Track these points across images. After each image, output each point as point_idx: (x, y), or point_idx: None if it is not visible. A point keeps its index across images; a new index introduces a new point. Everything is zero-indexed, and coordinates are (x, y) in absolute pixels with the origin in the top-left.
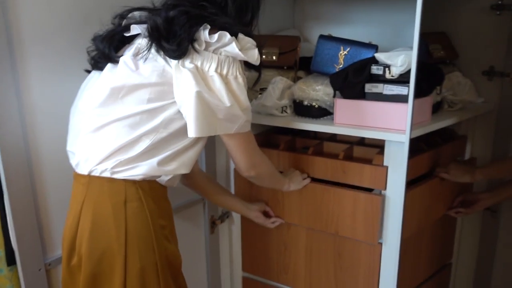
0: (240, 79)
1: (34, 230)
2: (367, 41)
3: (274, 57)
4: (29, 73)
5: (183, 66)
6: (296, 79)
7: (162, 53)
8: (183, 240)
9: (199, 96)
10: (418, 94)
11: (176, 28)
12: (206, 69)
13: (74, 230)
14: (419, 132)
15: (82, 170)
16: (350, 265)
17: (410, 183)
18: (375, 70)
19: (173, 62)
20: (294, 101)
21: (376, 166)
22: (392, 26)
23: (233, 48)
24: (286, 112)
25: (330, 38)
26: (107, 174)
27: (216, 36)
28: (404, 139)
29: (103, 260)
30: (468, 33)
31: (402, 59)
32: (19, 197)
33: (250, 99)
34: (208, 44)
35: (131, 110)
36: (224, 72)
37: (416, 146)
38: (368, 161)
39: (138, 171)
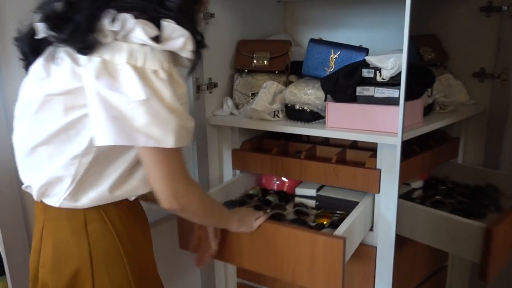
0: (162, 74)
1: (24, 239)
2: (357, 45)
3: (265, 62)
4: (13, 72)
5: (90, 62)
6: (287, 83)
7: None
8: (175, 245)
9: (100, 93)
10: (409, 96)
11: (74, 14)
12: (116, 61)
13: (36, 259)
14: (411, 135)
15: (34, 195)
16: None
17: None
18: (366, 73)
19: (83, 59)
20: (286, 105)
21: (369, 169)
22: (382, 29)
23: (139, 34)
24: (278, 117)
25: (320, 41)
26: (55, 204)
27: (118, 21)
28: (396, 142)
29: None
30: (458, 35)
31: (392, 62)
32: (7, 206)
33: (239, 103)
34: (114, 33)
35: (50, 128)
36: (139, 63)
37: (409, 148)
38: (361, 165)
39: (88, 202)
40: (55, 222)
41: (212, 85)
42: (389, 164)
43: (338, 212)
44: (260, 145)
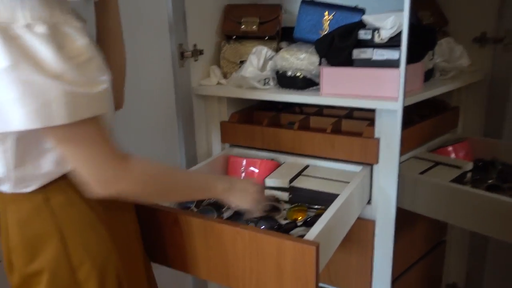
0: (39, 28)
1: None
2: (353, 5)
3: (254, 27)
4: None
5: None
6: (278, 50)
7: None
8: None
9: None
10: (410, 59)
11: None
12: None
13: (6, 244)
14: (412, 100)
15: None
16: None
17: None
18: (363, 35)
19: None
20: (277, 72)
21: (367, 138)
22: None
23: None
24: (269, 84)
25: (313, 2)
26: (8, 191)
27: None
28: (397, 107)
29: (46, 266)
30: None
31: (392, 21)
32: None
33: (227, 72)
34: None
35: None
36: (2, 18)
37: (408, 118)
38: (358, 134)
39: (41, 183)
40: (15, 204)
41: (197, 52)
42: (389, 132)
43: (315, 206)
44: (250, 117)
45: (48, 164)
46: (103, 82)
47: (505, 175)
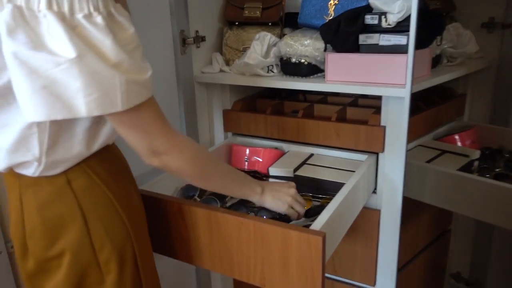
0: (98, 18)
1: None
2: None
3: (257, 13)
4: None
5: (1, 9)
6: (282, 36)
7: None
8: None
9: (18, 56)
10: (418, 44)
11: None
12: (34, 7)
13: (20, 230)
14: (419, 87)
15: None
16: None
17: None
18: (370, 19)
19: None
20: (281, 59)
21: (372, 126)
22: None
23: None
24: (273, 72)
25: None
26: (31, 175)
27: None
28: (404, 94)
29: (68, 248)
30: None
31: (400, 5)
32: None
33: (229, 59)
34: None
35: None
36: (65, 8)
37: (414, 105)
38: (363, 122)
39: (66, 166)
40: (35, 188)
41: (199, 39)
42: (395, 120)
43: (320, 196)
44: (254, 105)
45: (78, 146)
46: (149, 68)
47: None
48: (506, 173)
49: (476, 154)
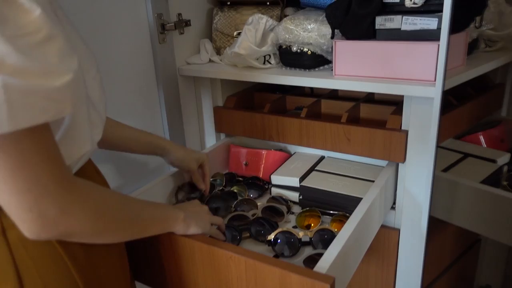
0: None
1: None
2: None
3: None
4: None
5: None
6: (282, 18)
7: None
8: None
9: None
10: (452, 28)
11: None
12: None
13: None
14: (452, 82)
15: None
16: None
17: None
18: None
19: None
20: (280, 47)
21: (391, 130)
22: None
23: None
24: (270, 63)
25: None
26: None
27: None
28: (433, 93)
29: None
30: None
31: None
32: None
33: (220, 47)
34: None
35: None
36: None
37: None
38: (380, 124)
39: None
40: None
41: (182, 23)
42: (420, 123)
43: (330, 212)
44: (251, 100)
45: None
46: (67, 71)
47: None
48: None
49: (505, 157)
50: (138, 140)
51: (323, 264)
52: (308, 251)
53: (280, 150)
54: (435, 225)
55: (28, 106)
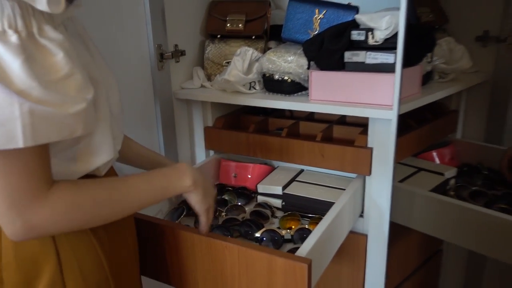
0: (13, 37)
1: None
2: (346, 3)
3: (240, 25)
4: None
5: None
6: (266, 50)
7: None
8: None
9: None
10: (407, 62)
11: None
12: None
13: None
14: (408, 107)
15: None
16: None
17: None
18: (356, 35)
19: None
20: (264, 75)
21: (359, 148)
22: None
23: None
24: (255, 89)
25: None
26: None
27: None
28: (391, 116)
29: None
30: None
31: (387, 21)
32: None
33: (211, 74)
34: None
35: None
36: None
37: (404, 123)
38: (350, 143)
39: None
40: None
41: (178, 53)
42: (382, 141)
43: (309, 215)
44: (237, 121)
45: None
46: (82, 101)
47: (491, 181)
48: (483, 191)
49: (452, 171)
50: (148, 157)
51: (302, 252)
52: (289, 246)
53: (265, 164)
54: (399, 232)
55: (47, 127)
